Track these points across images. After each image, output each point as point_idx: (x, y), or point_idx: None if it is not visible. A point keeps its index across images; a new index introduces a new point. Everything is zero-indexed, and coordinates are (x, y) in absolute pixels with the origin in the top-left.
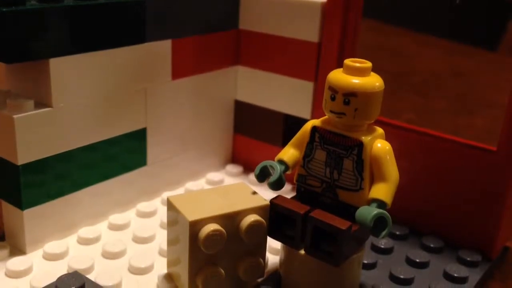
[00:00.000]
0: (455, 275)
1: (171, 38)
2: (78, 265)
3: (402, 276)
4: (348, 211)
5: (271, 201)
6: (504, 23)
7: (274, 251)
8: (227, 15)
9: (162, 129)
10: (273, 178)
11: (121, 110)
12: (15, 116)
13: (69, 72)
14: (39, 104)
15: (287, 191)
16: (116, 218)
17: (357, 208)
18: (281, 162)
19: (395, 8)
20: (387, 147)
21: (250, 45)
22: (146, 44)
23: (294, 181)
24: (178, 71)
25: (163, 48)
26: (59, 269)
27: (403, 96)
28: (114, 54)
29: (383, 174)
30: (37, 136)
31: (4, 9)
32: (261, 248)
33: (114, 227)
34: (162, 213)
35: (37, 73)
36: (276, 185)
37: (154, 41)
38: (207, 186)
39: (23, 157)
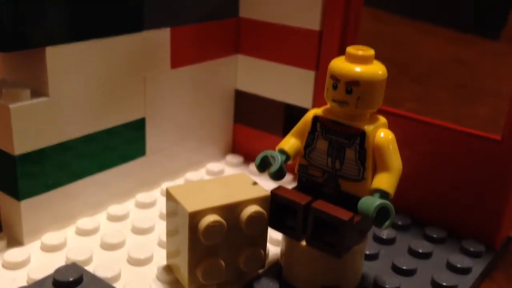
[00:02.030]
0: (458, 265)
1: (170, 26)
2: (77, 257)
3: (404, 267)
4: (350, 202)
5: (272, 191)
6: (505, 12)
7: (275, 242)
8: (227, 3)
9: (162, 119)
10: (273, 168)
11: (120, 99)
12: (11, 106)
13: (66, 61)
14: (35, 94)
15: (288, 182)
16: (115, 209)
17: (359, 198)
18: (282, 152)
19: None
20: (390, 137)
21: (250, 33)
22: (144, 32)
23: (295, 171)
24: (177, 60)
25: (162, 36)
26: (57, 261)
27: (405, 85)
28: (112, 42)
29: (386, 164)
30: (33, 126)
31: None
32: (262, 239)
33: (113, 218)
34: (162, 204)
35: (33, 61)
36: (277, 175)
37: (152, 30)
38: (207, 177)
39: (19, 147)
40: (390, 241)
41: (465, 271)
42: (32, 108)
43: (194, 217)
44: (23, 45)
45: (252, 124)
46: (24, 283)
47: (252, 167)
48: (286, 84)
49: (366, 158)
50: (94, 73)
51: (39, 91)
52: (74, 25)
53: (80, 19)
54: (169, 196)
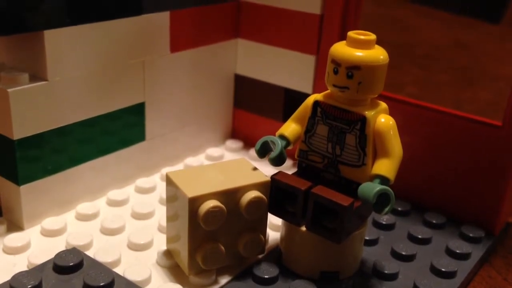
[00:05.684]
0: (458, 251)
1: (169, 10)
2: (77, 242)
3: (404, 252)
4: (350, 187)
5: (272, 177)
6: None
7: (274, 227)
8: None
9: (161, 104)
10: (274, 153)
11: (119, 84)
12: (9, 90)
13: (65, 45)
14: (34, 78)
15: (288, 167)
16: (115, 194)
17: (359, 184)
18: (282, 137)
19: None
20: (391, 122)
21: (250, 17)
22: (143, 16)
23: (296, 157)
24: (177, 44)
25: (161, 20)
26: (57, 246)
27: (405, 69)
28: (111, 26)
29: (387, 149)
30: (32, 110)
31: None
32: (262, 224)
33: (113, 203)
34: (161, 189)
35: (31, 45)
36: (277, 161)
37: (151, 13)
38: (207, 162)
39: (18, 132)
40: (389, 227)
41: (464, 256)
42: (31, 92)
43: (194, 203)
44: (21, 28)
45: (252, 109)
46: (25, 268)
47: (252, 152)
48: (287, 68)
49: (367, 144)
50: (93, 57)
51: (37, 75)
52: (73, 8)
53: (78, 2)
54: (169, 181)
